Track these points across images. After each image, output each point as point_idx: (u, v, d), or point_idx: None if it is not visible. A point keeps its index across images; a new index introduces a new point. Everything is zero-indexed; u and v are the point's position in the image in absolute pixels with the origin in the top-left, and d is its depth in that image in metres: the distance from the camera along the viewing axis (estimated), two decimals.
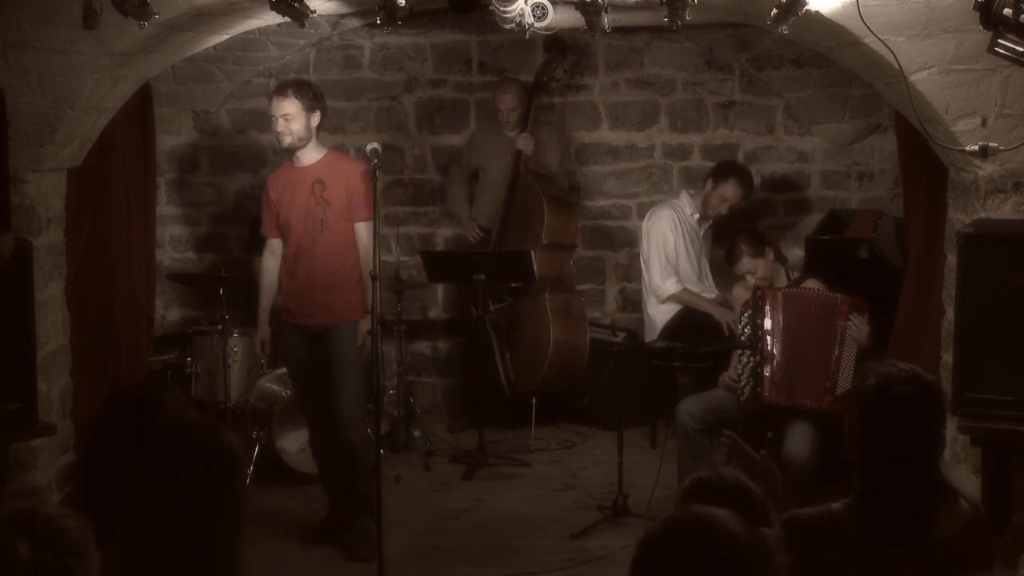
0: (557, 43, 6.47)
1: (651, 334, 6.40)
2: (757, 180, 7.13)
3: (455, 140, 7.05)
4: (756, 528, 1.90)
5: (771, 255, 5.21)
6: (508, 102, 6.54)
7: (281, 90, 4.90)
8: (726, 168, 6.44)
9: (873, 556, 2.49)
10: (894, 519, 2.50)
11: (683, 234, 6.36)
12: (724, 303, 6.09)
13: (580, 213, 7.14)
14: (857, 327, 4.87)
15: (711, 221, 6.48)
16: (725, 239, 5.86)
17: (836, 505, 2.58)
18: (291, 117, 4.83)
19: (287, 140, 4.87)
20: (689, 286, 6.34)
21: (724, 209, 6.32)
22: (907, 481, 2.51)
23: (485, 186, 6.78)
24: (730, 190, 6.29)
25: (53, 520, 1.76)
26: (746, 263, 5.20)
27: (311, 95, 4.87)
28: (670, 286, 6.27)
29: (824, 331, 4.91)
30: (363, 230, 4.95)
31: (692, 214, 6.41)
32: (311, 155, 4.95)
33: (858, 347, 4.86)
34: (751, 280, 5.20)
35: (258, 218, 6.61)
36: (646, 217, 6.49)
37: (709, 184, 6.37)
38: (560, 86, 6.90)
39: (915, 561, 2.48)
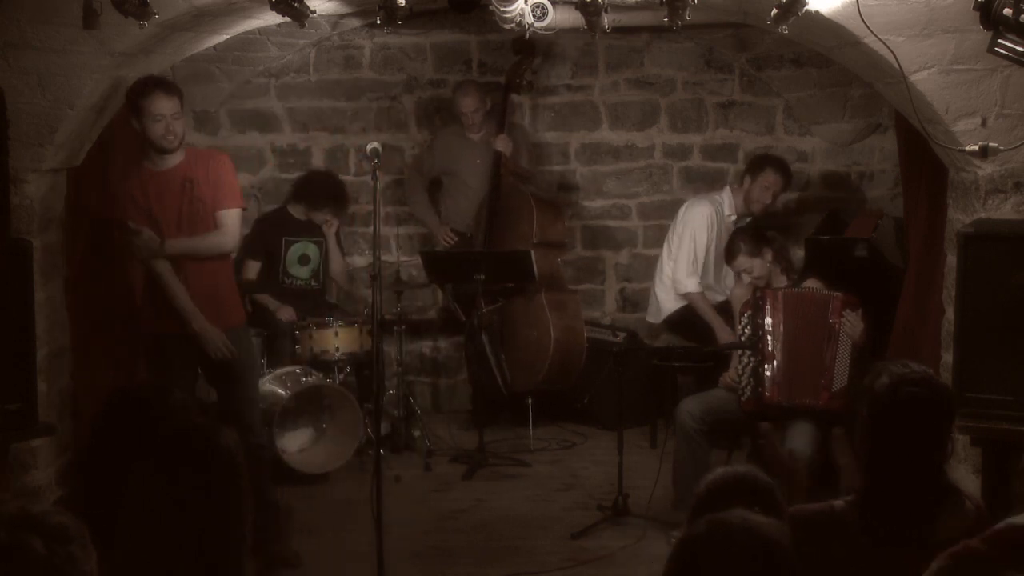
0: (526, 44, 6.45)
1: (655, 316, 6.39)
2: None
3: None
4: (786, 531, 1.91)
5: (769, 256, 5.20)
6: (470, 104, 6.53)
7: (170, 89, 4.55)
8: (761, 160, 6.42)
9: (874, 555, 2.49)
10: (896, 519, 2.50)
11: (716, 234, 6.31)
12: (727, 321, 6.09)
13: (580, 213, 7.15)
14: (851, 323, 4.89)
15: (749, 218, 6.47)
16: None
17: (839, 502, 2.59)
18: (178, 116, 4.54)
19: (174, 143, 4.55)
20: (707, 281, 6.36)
21: (768, 198, 6.26)
22: (911, 482, 2.51)
23: (455, 190, 6.76)
24: (770, 178, 6.25)
25: (48, 516, 1.78)
26: (742, 261, 5.20)
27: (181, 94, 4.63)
28: (691, 285, 6.20)
29: (820, 329, 4.93)
30: (231, 217, 4.66)
31: (729, 215, 6.36)
32: (176, 155, 4.61)
33: (853, 343, 4.89)
34: (746, 279, 5.22)
35: (264, 217, 6.62)
36: (684, 206, 6.41)
37: (747, 180, 6.34)
38: (529, 87, 6.87)
39: (916, 561, 2.48)
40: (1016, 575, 1.84)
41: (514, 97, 6.78)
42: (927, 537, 2.48)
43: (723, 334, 5.90)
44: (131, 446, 2.28)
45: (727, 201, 6.37)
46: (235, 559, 2.14)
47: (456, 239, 6.69)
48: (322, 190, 6.48)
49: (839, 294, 4.98)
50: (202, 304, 4.64)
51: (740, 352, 5.09)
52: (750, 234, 5.25)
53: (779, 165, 6.36)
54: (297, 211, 6.50)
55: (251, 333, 5.24)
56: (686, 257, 6.25)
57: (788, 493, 2.46)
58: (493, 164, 6.49)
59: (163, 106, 4.48)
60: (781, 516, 2.30)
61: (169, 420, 2.53)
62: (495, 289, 6.31)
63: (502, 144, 6.47)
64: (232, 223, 4.69)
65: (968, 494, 2.63)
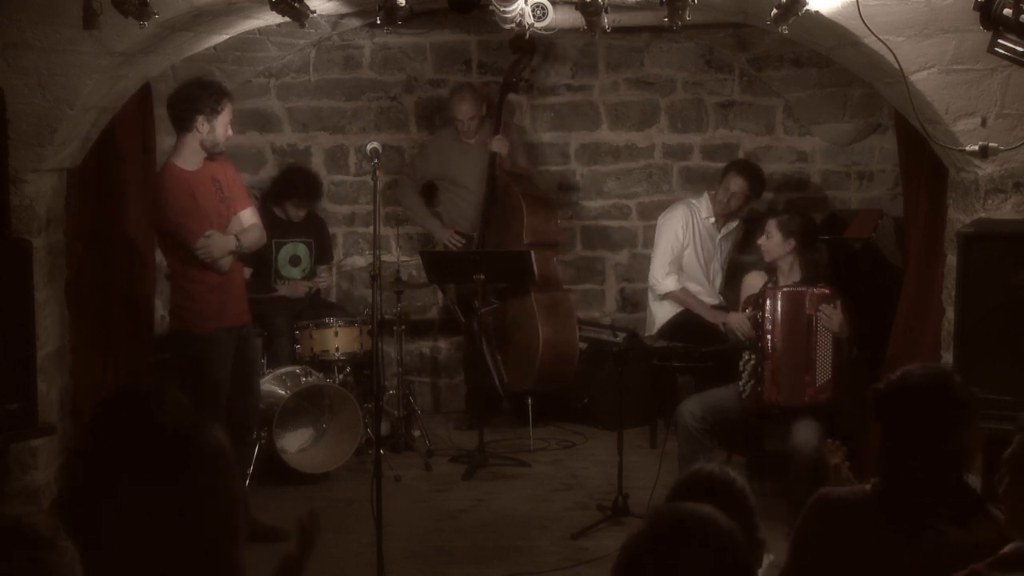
0: (524, 44, 6.45)
1: (651, 329, 6.42)
2: None
3: None
4: (743, 521, 1.92)
5: (791, 245, 5.13)
6: (467, 111, 6.50)
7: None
8: (729, 165, 6.53)
9: (895, 540, 2.50)
10: (911, 506, 2.51)
11: (695, 235, 6.38)
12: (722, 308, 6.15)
13: (580, 213, 7.15)
14: (828, 316, 4.94)
15: (736, 223, 6.50)
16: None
17: (869, 485, 2.61)
18: None
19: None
20: (691, 285, 6.36)
21: (733, 204, 6.34)
22: (922, 469, 2.52)
23: (455, 194, 6.75)
24: (732, 183, 6.32)
25: (16, 521, 1.72)
26: (770, 224, 5.17)
27: None
28: (670, 283, 6.31)
29: (802, 326, 4.98)
30: (255, 214, 5.06)
31: (708, 217, 6.42)
32: (202, 156, 4.88)
33: (833, 336, 4.92)
34: (761, 243, 5.20)
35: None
36: (662, 213, 6.52)
37: (717, 184, 6.44)
38: (527, 86, 6.87)
39: (933, 551, 2.47)
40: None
41: (512, 97, 6.78)
42: (947, 531, 2.48)
43: (714, 316, 6.06)
44: (125, 445, 2.27)
45: (704, 205, 6.45)
46: (229, 553, 2.13)
47: (463, 241, 6.69)
48: (290, 181, 6.60)
49: (813, 289, 5.02)
50: (237, 298, 4.97)
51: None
52: (798, 220, 5.22)
53: (744, 169, 6.41)
54: (280, 211, 6.51)
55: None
56: (661, 258, 6.36)
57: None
58: (488, 165, 6.49)
59: (231, 110, 4.87)
60: (751, 517, 2.32)
61: (162, 419, 2.52)
62: (491, 290, 6.32)
63: (498, 144, 6.46)
64: (258, 219, 5.06)
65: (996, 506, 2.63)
